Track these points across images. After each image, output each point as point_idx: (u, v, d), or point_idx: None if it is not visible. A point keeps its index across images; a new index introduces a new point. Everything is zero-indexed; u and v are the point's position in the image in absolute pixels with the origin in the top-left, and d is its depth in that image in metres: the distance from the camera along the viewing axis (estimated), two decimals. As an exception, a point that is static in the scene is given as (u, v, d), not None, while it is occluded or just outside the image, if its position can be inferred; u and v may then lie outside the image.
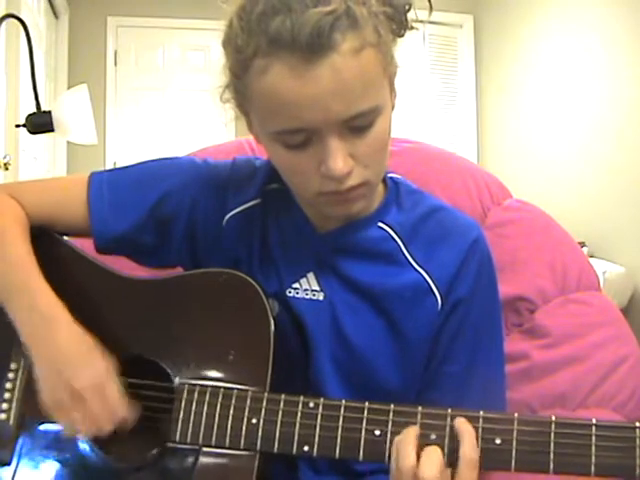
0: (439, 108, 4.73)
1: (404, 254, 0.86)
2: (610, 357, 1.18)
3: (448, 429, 0.69)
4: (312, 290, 0.86)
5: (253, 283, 0.82)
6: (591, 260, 1.85)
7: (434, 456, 0.67)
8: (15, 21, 1.86)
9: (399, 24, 0.75)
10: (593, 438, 0.65)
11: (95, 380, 0.77)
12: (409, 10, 0.76)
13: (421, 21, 0.78)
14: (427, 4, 0.78)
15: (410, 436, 0.68)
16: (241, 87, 0.75)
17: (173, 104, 4.84)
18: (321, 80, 0.68)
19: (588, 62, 3.55)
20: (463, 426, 0.68)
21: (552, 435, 0.66)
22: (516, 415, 0.68)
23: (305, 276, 0.86)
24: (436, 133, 4.60)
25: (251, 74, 0.72)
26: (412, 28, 0.77)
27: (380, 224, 0.87)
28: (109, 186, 0.92)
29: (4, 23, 1.86)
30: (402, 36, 0.77)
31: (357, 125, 0.72)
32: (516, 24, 4.29)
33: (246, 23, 0.71)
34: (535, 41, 4.09)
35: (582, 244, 3.19)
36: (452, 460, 0.68)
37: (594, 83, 3.49)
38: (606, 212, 3.34)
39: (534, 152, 4.04)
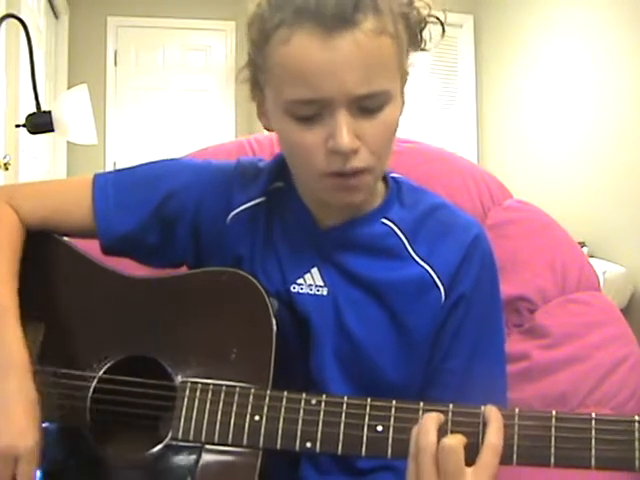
0: (439, 108, 4.73)
1: (407, 249, 0.86)
2: (610, 357, 1.18)
3: (450, 424, 0.69)
4: (316, 286, 0.86)
5: (254, 281, 0.83)
6: (591, 260, 1.85)
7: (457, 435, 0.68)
8: (15, 21, 1.86)
9: (414, 37, 0.79)
10: (593, 432, 0.65)
11: (8, 452, 0.73)
12: (424, 28, 0.80)
13: (431, 17, 0.82)
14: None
15: (433, 417, 0.69)
16: (260, 59, 0.78)
17: (173, 104, 4.85)
18: (341, 50, 0.71)
19: (588, 62, 3.56)
20: (493, 413, 0.68)
21: (553, 429, 0.67)
22: (517, 410, 0.68)
23: (309, 272, 0.87)
24: (436, 133, 4.59)
25: (273, 44, 0.74)
26: (424, 50, 0.81)
27: (383, 220, 0.88)
28: (114, 186, 0.93)
29: (4, 23, 1.86)
30: (415, 50, 0.81)
31: (367, 106, 0.74)
32: (516, 24, 4.29)
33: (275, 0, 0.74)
34: (535, 41, 4.09)
35: (582, 244, 3.19)
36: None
37: (594, 83, 3.49)
38: (606, 212, 3.34)
39: (534, 152, 4.04)
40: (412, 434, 0.69)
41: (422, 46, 0.81)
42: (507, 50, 4.42)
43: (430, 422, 0.68)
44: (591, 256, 3.20)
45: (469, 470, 0.65)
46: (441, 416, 0.69)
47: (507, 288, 1.21)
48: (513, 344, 1.20)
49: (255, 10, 0.77)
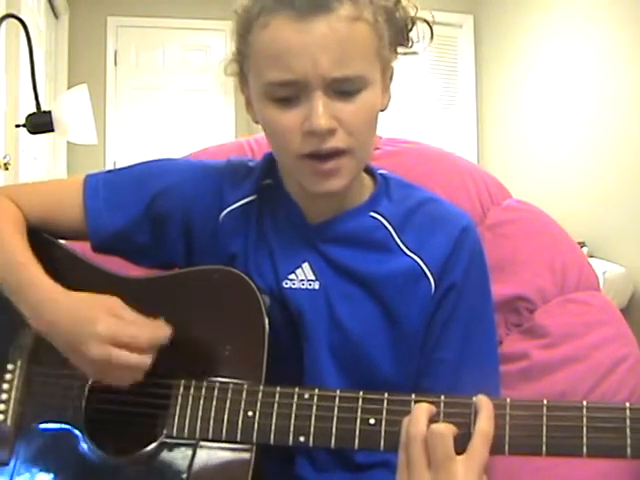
0: (439, 108, 4.73)
1: (396, 241, 0.87)
2: (609, 357, 1.18)
3: (441, 415, 0.69)
4: (308, 280, 0.87)
5: (246, 279, 0.83)
6: (591, 260, 1.85)
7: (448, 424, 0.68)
8: (15, 21, 1.86)
9: (398, 34, 0.81)
10: (584, 420, 0.65)
11: (102, 340, 0.76)
12: (411, 29, 0.82)
13: (419, 19, 0.83)
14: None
15: (424, 407, 0.69)
16: (244, 48, 0.81)
17: (173, 104, 4.85)
18: (315, 33, 0.74)
19: (588, 62, 3.56)
20: (483, 401, 0.68)
21: (544, 418, 0.67)
22: (508, 400, 0.69)
23: (301, 266, 0.87)
24: (436, 133, 4.60)
25: (254, 31, 0.78)
26: (414, 52, 0.84)
27: (372, 214, 0.88)
28: (105, 186, 0.93)
29: (4, 23, 1.86)
30: (402, 47, 0.83)
31: (344, 89, 0.76)
32: (516, 24, 4.29)
33: None
34: (535, 41, 4.09)
35: (582, 244, 3.19)
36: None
37: (594, 83, 3.49)
38: (606, 212, 3.34)
39: (534, 152, 4.04)
40: (403, 424, 0.69)
41: (410, 46, 0.83)
42: (507, 50, 4.42)
43: (420, 412, 0.68)
44: (591, 256, 3.20)
45: (459, 458, 0.65)
46: (432, 407, 0.69)
47: (506, 288, 1.21)
48: (512, 344, 1.20)
49: (241, 3, 0.80)
